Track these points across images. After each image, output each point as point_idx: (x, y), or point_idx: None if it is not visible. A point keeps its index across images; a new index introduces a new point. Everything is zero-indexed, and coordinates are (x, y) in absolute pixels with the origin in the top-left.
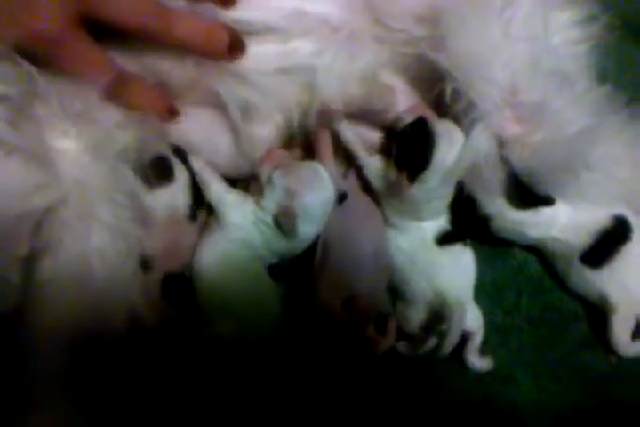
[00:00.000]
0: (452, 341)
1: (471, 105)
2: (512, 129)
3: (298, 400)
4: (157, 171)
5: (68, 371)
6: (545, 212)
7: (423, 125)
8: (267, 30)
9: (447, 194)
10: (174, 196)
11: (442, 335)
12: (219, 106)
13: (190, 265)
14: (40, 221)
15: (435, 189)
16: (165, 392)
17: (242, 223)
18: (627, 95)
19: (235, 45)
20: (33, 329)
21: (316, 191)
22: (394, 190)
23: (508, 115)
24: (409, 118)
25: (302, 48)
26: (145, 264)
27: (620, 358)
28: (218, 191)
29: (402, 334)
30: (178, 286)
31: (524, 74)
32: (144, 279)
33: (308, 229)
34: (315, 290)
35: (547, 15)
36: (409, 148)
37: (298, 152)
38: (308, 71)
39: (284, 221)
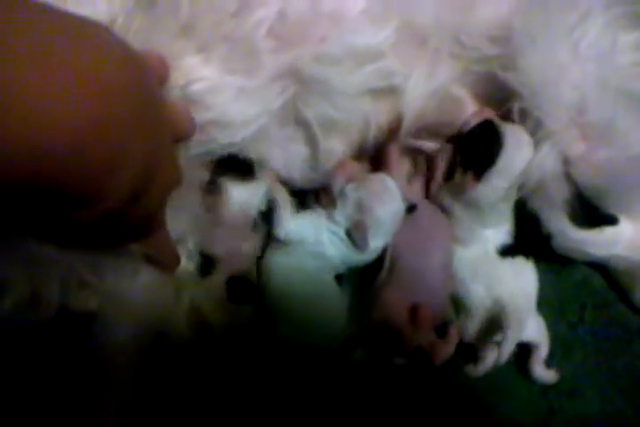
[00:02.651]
0: (508, 347)
1: (538, 124)
2: (578, 147)
3: (358, 406)
4: (242, 167)
5: (137, 368)
6: (608, 231)
7: (491, 125)
8: (365, 52)
9: (511, 198)
10: (253, 194)
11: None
12: (301, 120)
13: (258, 271)
14: None
15: (501, 190)
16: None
17: (316, 238)
18: None
19: None
20: (107, 330)
21: (386, 204)
22: (459, 192)
23: (575, 134)
24: (476, 120)
25: (392, 67)
26: (207, 268)
27: None
28: (292, 223)
29: (465, 352)
30: (243, 288)
31: (592, 93)
32: (207, 282)
33: (378, 241)
34: (379, 299)
35: (615, 36)
36: (475, 147)
37: (366, 164)
38: (395, 92)
39: (356, 235)
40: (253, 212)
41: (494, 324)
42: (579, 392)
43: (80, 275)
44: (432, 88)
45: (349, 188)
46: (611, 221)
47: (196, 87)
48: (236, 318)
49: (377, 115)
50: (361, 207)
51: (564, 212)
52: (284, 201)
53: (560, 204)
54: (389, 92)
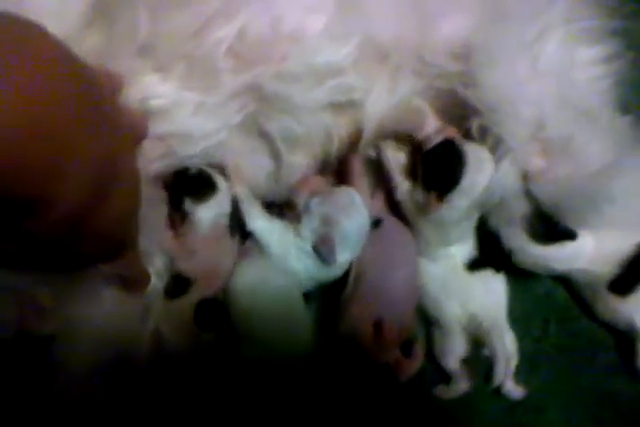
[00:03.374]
0: (501, 364)
1: (498, 140)
2: (537, 163)
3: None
4: (202, 183)
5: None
6: (568, 246)
7: (453, 145)
8: (325, 69)
9: (475, 215)
10: (219, 204)
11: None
12: (264, 134)
13: (225, 289)
14: None
15: (463, 209)
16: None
17: (282, 253)
18: None
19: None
20: (65, 349)
21: (352, 217)
22: (423, 212)
23: (535, 149)
24: (437, 139)
25: (353, 83)
26: (179, 289)
27: None
28: (260, 220)
29: (439, 375)
30: (211, 311)
31: (551, 110)
32: (174, 303)
33: (345, 256)
34: (344, 314)
35: (573, 51)
36: (437, 168)
37: (330, 178)
38: (356, 106)
39: (323, 249)
40: (224, 220)
41: (475, 341)
42: (544, 408)
43: (38, 301)
44: (393, 102)
45: (314, 202)
46: (570, 235)
47: (154, 102)
48: (197, 341)
49: (338, 128)
50: (327, 221)
51: (524, 228)
52: (249, 197)
53: (519, 220)
54: (350, 105)
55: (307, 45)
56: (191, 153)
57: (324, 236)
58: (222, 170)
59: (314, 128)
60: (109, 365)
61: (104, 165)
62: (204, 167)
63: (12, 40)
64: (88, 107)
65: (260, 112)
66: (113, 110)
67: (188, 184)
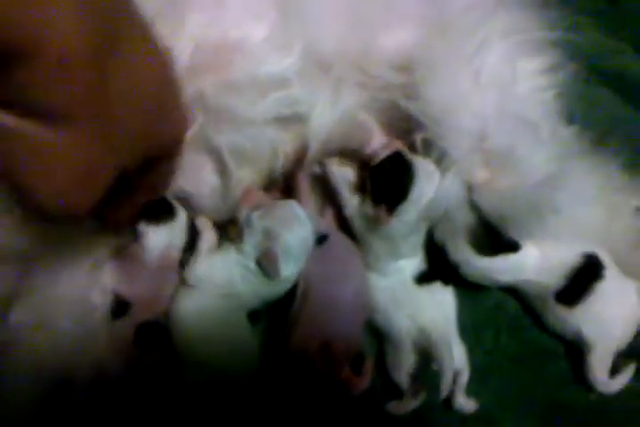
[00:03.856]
0: (447, 378)
1: (442, 153)
2: (481, 175)
3: None
4: (162, 209)
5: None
6: (512, 258)
7: (401, 158)
8: (269, 80)
9: (423, 229)
10: (174, 235)
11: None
12: (210, 151)
13: (166, 314)
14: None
15: (412, 222)
16: None
17: (227, 277)
18: (595, 137)
19: None
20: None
21: (295, 230)
22: (372, 225)
23: (477, 161)
24: (385, 153)
25: (296, 95)
26: (120, 310)
27: (600, 394)
28: (202, 265)
29: (391, 391)
30: (151, 334)
31: (492, 121)
32: (114, 325)
33: (289, 269)
34: (291, 333)
35: (515, 63)
36: (386, 181)
37: (276, 194)
38: (301, 120)
39: (266, 263)
40: (175, 253)
41: (425, 355)
42: (496, 419)
43: None
44: (337, 115)
45: (255, 215)
46: (514, 247)
47: None
48: (138, 363)
49: (284, 144)
50: (269, 235)
51: (468, 240)
52: (206, 240)
53: (464, 232)
54: (295, 120)
55: (250, 55)
56: None
57: (266, 250)
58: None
59: (260, 143)
60: (51, 384)
61: (102, 12)
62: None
63: None
64: None
65: (208, 125)
66: None
67: (148, 205)
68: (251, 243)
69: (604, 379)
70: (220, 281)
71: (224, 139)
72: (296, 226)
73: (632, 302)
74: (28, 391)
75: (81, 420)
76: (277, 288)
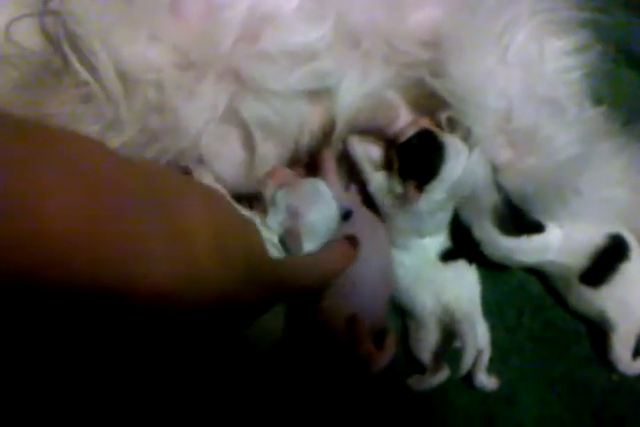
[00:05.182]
0: (469, 357)
1: (467, 132)
2: (505, 155)
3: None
4: None
5: None
6: (536, 239)
7: (430, 136)
8: (300, 51)
9: (450, 207)
10: None
11: (459, 356)
12: (238, 124)
13: None
14: None
15: (440, 200)
16: None
17: None
18: (622, 119)
19: None
20: None
21: (319, 209)
22: (400, 203)
23: (502, 141)
24: (412, 130)
25: (326, 68)
26: None
27: (621, 375)
28: None
29: (413, 368)
30: None
31: (518, 100)
32: None
33: (312, 248)
34: (318, 307)
35: (542, 43)
36: (414, 158)
37: (301, 170)
38: (329, 95)
39: (289, 242)
40: None
41: (448, 333)
42: (517, 398)
43: None
44: (365, 91)
45: (280, 194)
46: (538, 228)
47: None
48: None
49: (311, 118)
50: (293, 213)
51: (493, 220)
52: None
53: (489, 212)
54: (323, 94)
55: (281, 25)
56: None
57: (289, 228)
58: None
59: (287, 117)
60: None
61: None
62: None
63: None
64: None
65: (237, 97)
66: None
67: None
68: (275, 220)
69: (627, 360)
70: None
71: (252, 111)
72: (320, 205)
73: None
74: None
75: None
76: None
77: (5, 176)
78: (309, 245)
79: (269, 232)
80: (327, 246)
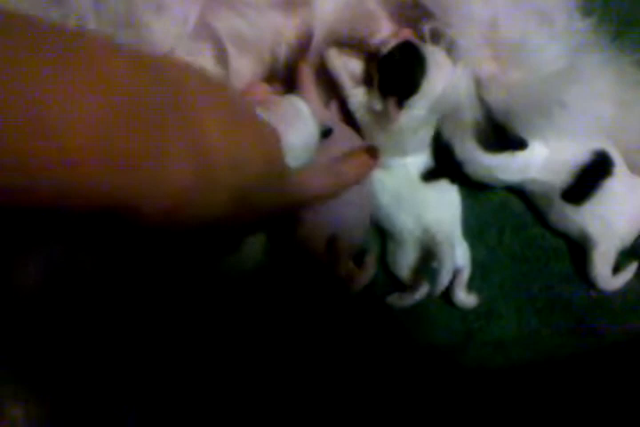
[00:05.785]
0: (444, 277)
1: (451, 44)
2: (490, 68)
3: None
4: None
5: None
6: (519, 156)
7: (412, 48)
8: None
9: (432, 123)
10: None
11: (433, 275)
12: (210, 38)
13: None
14: None
15: (422, 116)
16: None
17: None
18: (611, 31)
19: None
20: None
21: (298, 128)
22: (380, 120)
23: (487, 53)
24: (394, 42)
25: None
26: None
27: (600, 292)
28: None
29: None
30: None
31: (505, 10)
32: None
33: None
34: (298, 227)
35: None
36: (395, 72)
37: (278, 87)
38: (306, 3)
39: None
40: None
41: (427, 253)
42: (496, 314)
43: None
44: (344, 0)
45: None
46: (521, 145)
47: None
48: None
49: (287, 30)
50: None
51: (476, 137)
52: None
53: (471, 129)
54: (299, 4)
55: None
56: None
57: None
58: None
59: (262, 29)
60: None
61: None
62: None
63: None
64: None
65: (209, 10)
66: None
67: None
68: None
69: (607, 276)
70: None
71: (225, 24)
72: (300, 123)
73: (638, 200)
74: None
75: None
76: None
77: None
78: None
79: None
80: (346, 156)
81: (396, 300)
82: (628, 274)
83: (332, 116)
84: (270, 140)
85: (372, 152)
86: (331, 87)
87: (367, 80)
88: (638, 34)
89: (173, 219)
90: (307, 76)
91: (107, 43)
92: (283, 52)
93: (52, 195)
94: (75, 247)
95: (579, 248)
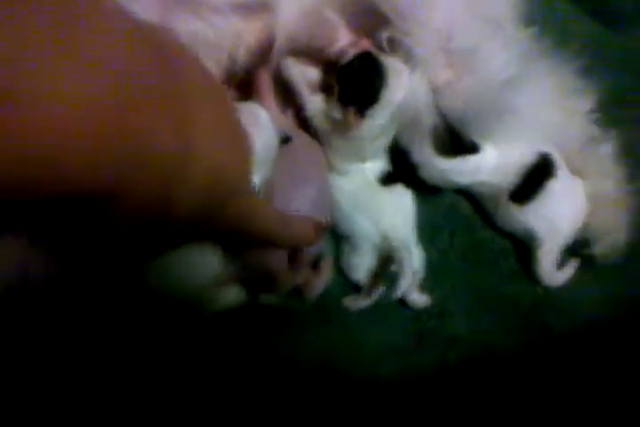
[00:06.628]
0: (404, 282)
1: (408, 52)
2: (444, 75)
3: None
4: None
5: None
6: (472, 159)
7: (371, 59)
8: None
9: (392, 131)
10: None
11: (392, 279)
12: None
13: None
14: None
15: (383, 124)
16: None
17: None
18: (553, 40)
19: None
20: None
21: (258, 136)
22: (340, 128)
23: (442, 61)
24: (353, 52)
25: None
26: None
27: (546, 288)
28: None
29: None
30: None
31: (460, 19)
32: None
33: (257, 180)
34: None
35: None
36: (354, 82)
37: (234, 92)
38: (267, 8)
39: None
40: None
41: (385, 259)
42: (448, 313)
43: None
44: (304, 8)
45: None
46: (474, 148)
47: None
48: None
49: (248, 34)
50: None
51: (430, 141)
52: None
53: (428, 134)
54: (260, 9)
55: None
56: None
57: None
58: None
59: (223, 32)
60: None
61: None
62: None
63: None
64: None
65: (169, 12)
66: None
67: None
68: None
69: (552, 273)
70: None
71: (184, 26)
72: (260, 130)
73: (579, 199)
74: None
75: None
76: None
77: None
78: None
79: None
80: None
81: (351, 302)
82: (570, 269)
83: (289, 123)
84: (246, 149)
85: (319, 226)
86: (288, 94)
87: (325, 88)
88: (576, 43)
89: (162, 208)
90: (265, 82)
91: (113, 10)
92: (241, 56)
93: (37, 171)
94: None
95: (524, 248)
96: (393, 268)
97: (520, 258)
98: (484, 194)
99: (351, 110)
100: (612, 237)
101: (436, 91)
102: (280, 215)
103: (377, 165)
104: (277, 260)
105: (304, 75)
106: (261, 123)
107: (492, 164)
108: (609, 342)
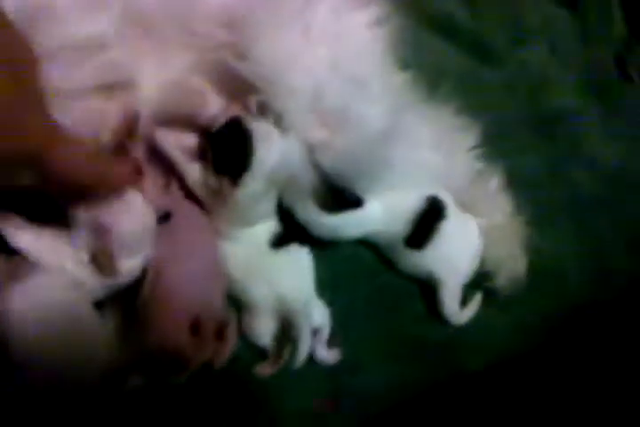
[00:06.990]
0: (303, 347)
1: (279, 115)
2: (319, 134)
3: None
4: None
5: None
6: (357, 213)
7: (238, 124)
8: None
9: (273, 193)
10: None
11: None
12: None
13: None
14: None
15: (259, 190)
16: None
17: (59, 265)
18: (429, 83)
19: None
20: None
21: (129, 221)
22: (218, 197)
23: (314, 121)
24: (223, 118)
25: (118, 59)
26: None
27: (454, 327)
28: (26, 235)
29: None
30: None
31: (326, 79)
32: None
33: (131, 262)
34: (149, 321)
35: (344, 17)
36: (226, 150)
37: None
38: (127, 86)
39: (100, 264)
40: None
41: (286, 321)
42: (362, 366)
43: None
44: (166, 80)
45: (80, 211)
46: (358, 202)
47: None
48: None
49: (110, 116)
50: (99, 230)
51: (314, 200)
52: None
53: (310, 192)
54: (120, 87)
55: (57, 19)
56: None
57: (98, 249)
58: None
59: (83, 117)
60: None
61: None
62: None
63: None
64: None
65: None
66: None
67: None
68: (80, 237)
69: (456, 311)
70: (52, 267)
71: None
72: (131, 215)
73: (473, 236)
74: None
75: None
76: (122, 279)
77: None
78: (127, 262)
79: (78, 252)
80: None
81: (262, 369)
82: (474, 306)
83: (171, 197)
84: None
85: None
86: (170, 165)
87: (203, 156)
88: (452, 81)
89: None
90: (136, 163)
91: None
92: (106, 138)
93: None
94: None
95: (429, 288)
96: (292, 333)
97: (427, 299)
98: (380, 243)
99: (225, 179)
100: (509, 269)
101: (312, 150)
102: (88, 153)
103: (267, 226)
104: (176, 332)
105: (181, 143)
106: (132, 206)
107: (378, 215)
108: (525, 373)
